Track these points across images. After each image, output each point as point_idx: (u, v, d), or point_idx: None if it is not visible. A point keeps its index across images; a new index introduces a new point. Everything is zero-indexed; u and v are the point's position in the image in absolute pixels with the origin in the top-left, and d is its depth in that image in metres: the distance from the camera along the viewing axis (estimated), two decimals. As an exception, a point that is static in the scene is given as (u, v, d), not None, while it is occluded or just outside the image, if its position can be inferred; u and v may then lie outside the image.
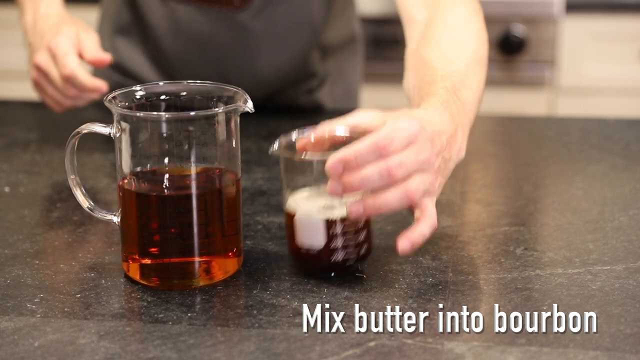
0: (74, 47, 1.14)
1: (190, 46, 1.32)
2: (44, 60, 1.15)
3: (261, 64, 1.33)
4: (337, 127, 0.81)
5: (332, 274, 0.81)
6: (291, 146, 0.81)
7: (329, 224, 0.79)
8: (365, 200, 0.77)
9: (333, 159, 0.76)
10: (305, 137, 0.81)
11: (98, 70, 1.41)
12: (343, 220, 0.79)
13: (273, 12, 1.29)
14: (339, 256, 0.80)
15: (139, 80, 1.38)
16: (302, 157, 0.80)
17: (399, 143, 0.77)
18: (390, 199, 0.77)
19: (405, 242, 0.78)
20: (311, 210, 0.80)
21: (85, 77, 1.13)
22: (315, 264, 0.81)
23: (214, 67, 1.33)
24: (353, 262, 0.81)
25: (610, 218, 0.96)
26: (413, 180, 0.77)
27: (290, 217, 0.81)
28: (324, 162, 0.77)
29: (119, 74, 1.39)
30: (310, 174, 0.81)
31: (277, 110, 1.41)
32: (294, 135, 0.82)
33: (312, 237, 0.80)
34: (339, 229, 0.79)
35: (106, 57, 1.16)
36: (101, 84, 1.13)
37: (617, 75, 2.21)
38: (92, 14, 1.55)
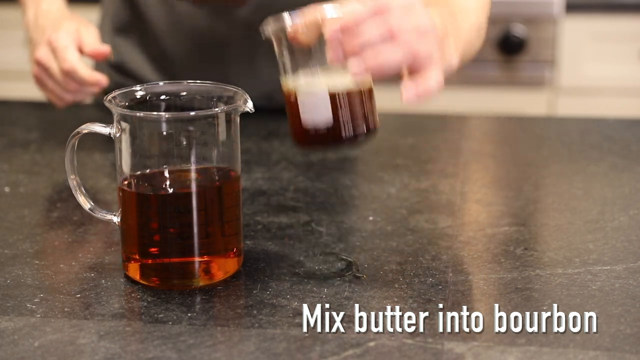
0: (74, 42, 1.15)
1: (190, 44, 1.33)
2: (44, 55, 1.16)
3: (260, 61, 1.33)
4: (327, 8, 0.78)
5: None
6: (283, 30, 0.79)
7: (334, 96, 0.77)
8: (366, 57, 0.75)
9: (332, 27, 0.74)
10: (296, 24, 0.78)
11: (99, 70, 1.41)
12: (347, 91, 0.78)
13: (272, 8, 1.29)
14: (349, 130, 0.78)
15: (139, 80, 1.38)
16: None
17: (397, 7, 0.75)
18: (393, 54, 0.75)
19: (410, 89, 0.76)
20: (314, 86, 0.78)
21: (85, 70, 1.14)
22: (327, 141, 0.79)
23: (213, 64, 1.33)
24: (363, 137, 0.79)
25: (610, 218, 0.96)
26: (416, 39, 0.76)
27: (293, 98, 0.79)
28: (321, 41, 0.75)
29: (119, 73, 1.39)
30: (307, 54, 0.79)
31: (277, 110, 1.41)
32: (285, 19, 0.79)
33: (319, 112, 0.78)
34: (344, 100, 0.77)
35: (105, 49, 1.17)
36: (101, 78, 1.15)
37: (617, 75, 2.21)
38: (93, 14, 1.55)
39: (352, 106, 0.78)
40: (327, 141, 0.79)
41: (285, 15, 0.79)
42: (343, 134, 0.79)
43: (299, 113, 0.79)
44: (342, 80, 0.78)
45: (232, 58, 1.32)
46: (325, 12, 0.78)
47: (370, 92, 0.80)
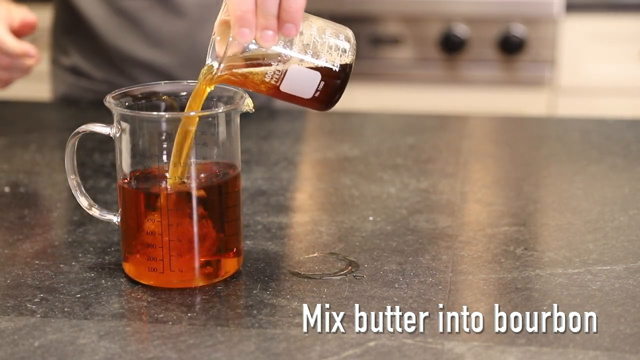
0: (3, 20, 1.15)
1: (127, 29, 1.34)
2: None
3: (200, 41, 1.33)
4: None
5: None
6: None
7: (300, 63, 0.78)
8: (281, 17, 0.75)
9: (237, 28, 0.74)
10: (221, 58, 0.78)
11: (57, 75, 1.43)
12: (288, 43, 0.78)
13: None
14: (337, 65, 0.78)
15: (91, 81, 1.40)
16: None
17: None
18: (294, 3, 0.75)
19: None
20: (289, 67, 0.78)
21: (12, 42, 1.14)
22: (332, 91, 0.79)
23: (157, 52, 1.34)
24: (343, 66, 0.79)
25: (610, 218, 0.96)
26: None
27: (275, 90, 0.79)
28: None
29: (73, 75, 1.41)
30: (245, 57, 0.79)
31: (277, 111, 1.41)
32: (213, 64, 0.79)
33: (303, 85, 0.78)
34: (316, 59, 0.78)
35: (32, 18, 1.18)
36: (29, 48, 1.15)
37: (617, 75, 2.21)
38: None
39: (310, 52, 0.78)
40: (332, 91, 0.79)
41: (211, 62, 0.79)
42: (338, 78, 0.79)
43: (294, 95, 0.79)
44: (291, 52, 0.78)
45: (170, 40, 1.34)
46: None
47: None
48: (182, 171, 0.79)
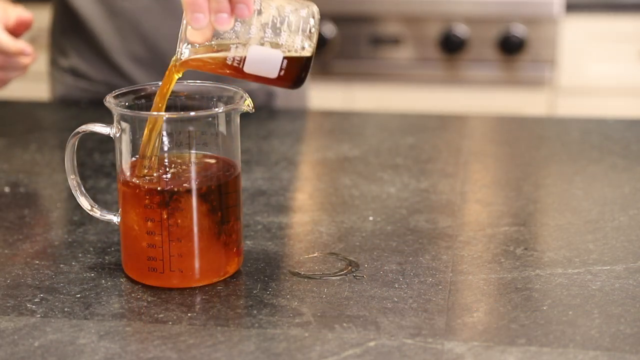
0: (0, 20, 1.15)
1: (125, 30, 1.34)
2: None
3: None
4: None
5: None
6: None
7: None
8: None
9: (190, 14, 0.75)
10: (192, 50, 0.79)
11: (56, 76, 1.43)
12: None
13: None
14: (298, 43, 0.78)
15: (91, 82, 1.40)
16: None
17: None
18: None
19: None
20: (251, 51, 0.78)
21: (8, 40, 1.14)
22: (296, 72, 0.79)
23: (154, 53, 1.35)
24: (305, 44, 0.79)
25: (610, 218, 0.96)
26: None
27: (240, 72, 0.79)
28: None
29: (73, 76, 1.41)
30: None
31: (277, 111, 1.41)
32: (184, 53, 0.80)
33: (266, 65, 0.78)
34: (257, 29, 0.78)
35: (27, 16, 1.18)
36: (25, 46, 1.15)
37: (617, 75, 2.21)
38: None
39: (271, 30, 0.78)
40: (296, 72, 0.79)
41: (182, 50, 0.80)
42: (306, 63, 0.79)
43: (260, 76, 0.79)
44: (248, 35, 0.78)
45: (166, 39, 1.34)
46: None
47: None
48: (149, 164, 0.80)
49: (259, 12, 0.77)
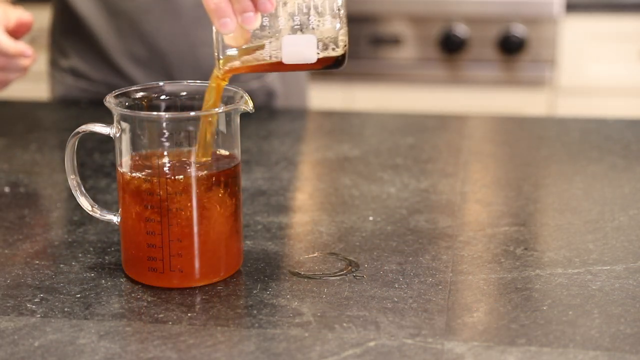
0: (0, 22, 1.15)
1: (125, 31, 1.34)
2: None
3: (198, 41, 1.33)
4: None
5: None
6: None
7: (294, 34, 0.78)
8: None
9: (216, 21, 0.76)
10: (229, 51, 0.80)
11: (56, 76, 1.43)
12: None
13: None
14: (328, 22, 0.78)
15: (91, 82, 1.40)
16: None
17: None
18: None
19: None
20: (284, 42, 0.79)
21: (9, 42, 1.14)
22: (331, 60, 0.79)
23: (154, 53, 1.35)
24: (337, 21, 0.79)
25: (610, 218, 0.96)
26: None
27: (277, 64, 0.79)
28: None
29: (73, 76, 1.41)
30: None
31: (277, 111, 1.41)
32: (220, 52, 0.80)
33: (304, 51, 0.78)
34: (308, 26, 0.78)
35: (28, 17, 1.18)
36: (25, 48, 1.15)
37: (617, 75, 2.21)
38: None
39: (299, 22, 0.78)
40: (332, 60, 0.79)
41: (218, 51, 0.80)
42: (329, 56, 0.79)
43: (301, 64, 0.79)
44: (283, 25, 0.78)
45: (167, 39, 1.34)
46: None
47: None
48: (203, 152, 0.80)
49: (284, 3, 0.78)
